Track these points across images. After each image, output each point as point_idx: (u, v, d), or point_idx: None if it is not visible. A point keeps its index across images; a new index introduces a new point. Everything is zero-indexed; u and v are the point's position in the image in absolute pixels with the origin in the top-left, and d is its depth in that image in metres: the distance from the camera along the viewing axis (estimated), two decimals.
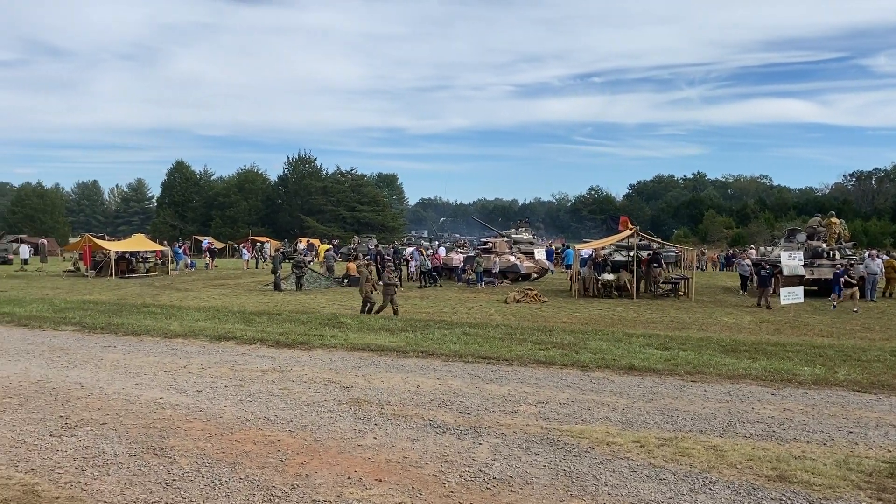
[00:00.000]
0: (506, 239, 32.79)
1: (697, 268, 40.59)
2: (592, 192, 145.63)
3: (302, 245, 46.48)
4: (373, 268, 20.56)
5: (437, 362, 10.63)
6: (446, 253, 33.75)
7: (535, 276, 31.23)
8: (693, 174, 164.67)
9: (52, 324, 14.16)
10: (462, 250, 33.07)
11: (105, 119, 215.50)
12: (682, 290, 27.08)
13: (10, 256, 48.34)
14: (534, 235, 38.53)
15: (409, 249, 32.94)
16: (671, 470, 6.37)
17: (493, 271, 29.50)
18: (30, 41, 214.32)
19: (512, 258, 30.46)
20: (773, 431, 7.43)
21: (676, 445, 6.95)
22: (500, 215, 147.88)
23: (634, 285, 25.83)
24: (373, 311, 18.57)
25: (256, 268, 41.31)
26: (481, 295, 27.49)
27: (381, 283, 19.79)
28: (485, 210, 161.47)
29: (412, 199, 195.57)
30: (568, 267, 33.61)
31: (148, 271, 36.53)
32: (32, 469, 6.31)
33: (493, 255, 30.38)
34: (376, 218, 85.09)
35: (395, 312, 18.99)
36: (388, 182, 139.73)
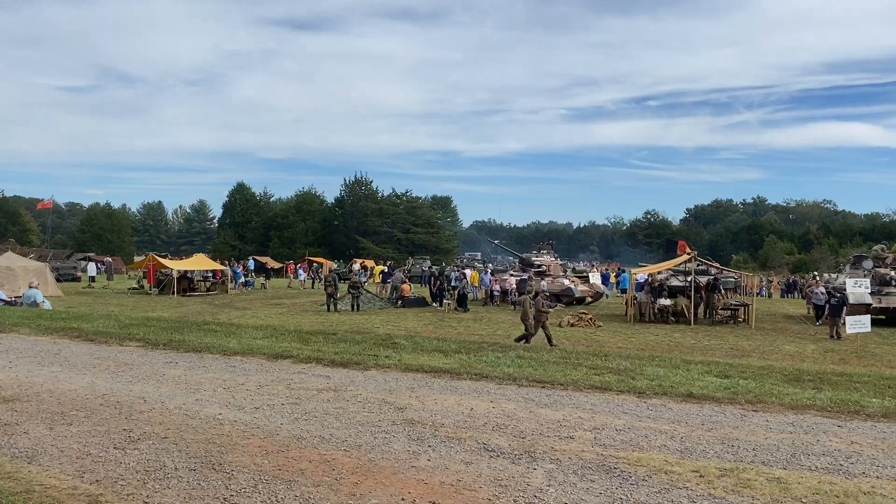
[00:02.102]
0: (559, 261, 32.47)
1: (759, 294, 39.44)
2: (648, 216, 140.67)
3: (356, 266, 46.64)
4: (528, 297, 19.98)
5: (490, 385, 10.53)
6: (493, 275, 33.73)
7: (590, 299, 30.92)
8: (753, 199, 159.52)
9: (117, 339, 14.59)
10: (515, 273, 32.88)
11: (170, 142, 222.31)
12: (742, 316, 26.43)
13: (79, 274, 50.09)
14: (556, 258, 36.39)
15: (469, 272, 32.88)
16: (732, 501, 6.20)
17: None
18: (102, 68, 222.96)
19: (566, 281, 30.21)
20: (841, 465, 7.17)
21: (737, 476, 6.75)
22: (554, 238, 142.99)
23: (692, 311, 25.32)
24: (527, 340, 17.77)
25: (313, 287, 41.92)
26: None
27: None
28: (539, 233, 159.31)
29: (466, 221, 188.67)
30: (623, 291, 33.16)
31: (208, 290, 37.39)
32: (97, 480, 6.49)
33: (545, 278, 30.09)
34: (430, 240, 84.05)
35: (549, 341, 18.06)
36: (443, 204, 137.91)
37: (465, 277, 31.17)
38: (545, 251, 35.49)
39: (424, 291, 33.65)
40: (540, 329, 18.02)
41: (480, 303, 31.71)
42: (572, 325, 25.24)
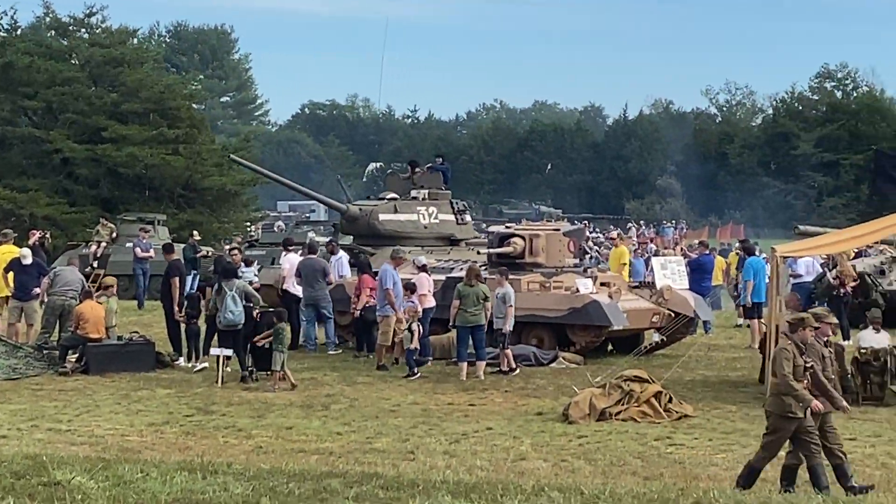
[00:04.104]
0: (564, 228, 14.52)
1: None
2: (823, 82, 57.99)
3: None
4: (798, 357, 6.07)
5: None
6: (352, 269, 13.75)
7: (658, 338, 12.75)
8: None
9: None
10: (437, 259, 13.25)
11: None
12: None
13: None
14: (461, 210, 16.46)
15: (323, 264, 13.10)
16: None
17: (504, 329, 11.53)
18: None
19: (583, 284, 12.13)
20: None
21: None
22: (554, 150, 62.87)
23: None
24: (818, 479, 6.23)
25: None
26: (486, 394, 10.71)
27: None
28: (500, 135, 67.61)
29: (280, 105, 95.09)
30: (754, 310, 13.71)
31: None
32: None
33: (520, 277, 12.02)
34: (167, 164, 28.02)
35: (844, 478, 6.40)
36: (204, 52, 62.67)
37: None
38: (420, 188, 15.49)
39: (153, 323, 14.67)
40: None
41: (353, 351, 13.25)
42: (610, 413, 9.06)
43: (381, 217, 14.96)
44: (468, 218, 16.74)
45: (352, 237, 15.68)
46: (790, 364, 6.32)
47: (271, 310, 11.62)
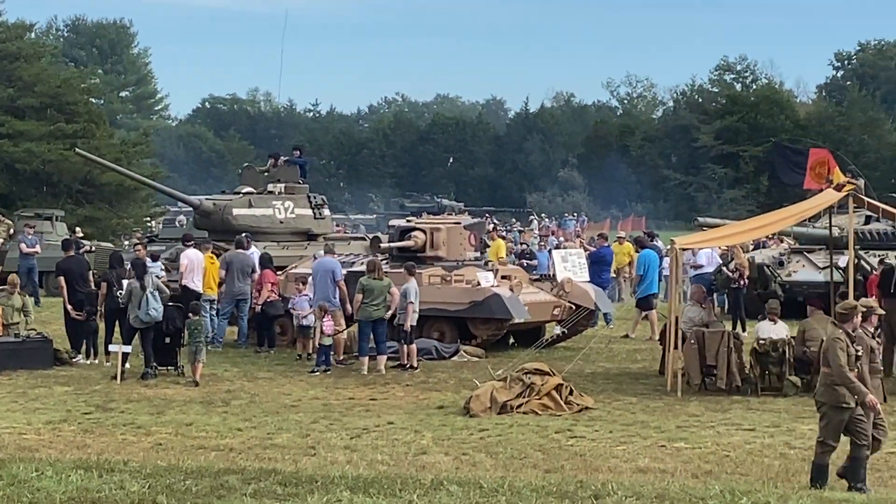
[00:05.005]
0: (465, 221, 13.61)
1: None
2: (722, 75, 58.75)
3: None
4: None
5: None
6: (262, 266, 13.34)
7: (559, 331, 12.83)
8: None
9: None
10: (339, 254, 12.90)
11: None
12: None
13: None
14: (319, 204, 16.23)
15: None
16: None
17: (402, 323, 11.42)
18: None
19: (484, 277, 12.49)
20: None
21: None
22: (455, 144, 62.84)
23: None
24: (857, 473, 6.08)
25: None
26: (387, 388, 10.73)
27: None
28: (396, 128, 68.03)
29: (181, 99, 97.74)
30: (645, 303, 14.20)
31: None
32: None
33: (421, 270, 11.95)
34: (65, 160, 26.88)
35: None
36: (103, 46, 62.26)
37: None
38: (272, 180, 15.38)
39: (52, 320, 13.98)
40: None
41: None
42: (511, 406, 9.30)
43: (236, 212, 14.73)
44: (326, 212, 16.69)
45: (206, 232, 15.16)
46: (844, 354, 6.07)
47: (170, 304, 11.38)
